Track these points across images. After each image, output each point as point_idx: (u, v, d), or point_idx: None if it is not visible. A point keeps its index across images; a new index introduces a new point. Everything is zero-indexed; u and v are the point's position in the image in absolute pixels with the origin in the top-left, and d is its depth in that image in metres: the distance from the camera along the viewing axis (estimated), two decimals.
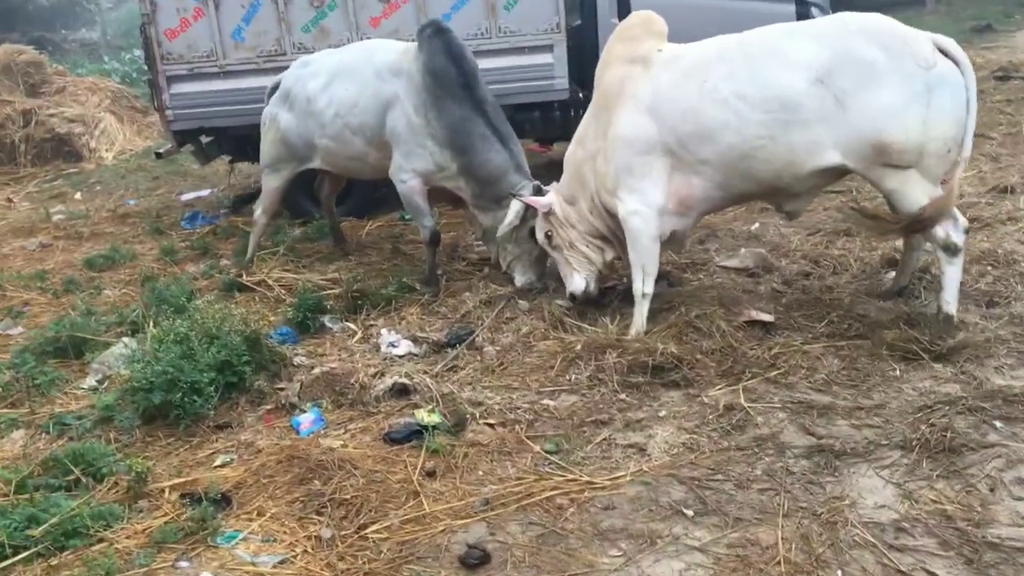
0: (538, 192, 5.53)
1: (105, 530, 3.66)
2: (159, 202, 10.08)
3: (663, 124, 4.78)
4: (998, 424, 3.85)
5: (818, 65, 4.41)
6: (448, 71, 5.77)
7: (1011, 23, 15.51)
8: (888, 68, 4.31)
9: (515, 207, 5.55)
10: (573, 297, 5.40)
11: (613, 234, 5.17)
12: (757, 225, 6.69)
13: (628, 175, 4.89)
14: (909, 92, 4.28)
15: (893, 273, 5.38)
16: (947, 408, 3.98)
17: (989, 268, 5.26)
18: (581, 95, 8.08)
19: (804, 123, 4.44)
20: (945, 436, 3.75)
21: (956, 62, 4.33)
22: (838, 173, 4.67)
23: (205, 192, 10.33)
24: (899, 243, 5.79)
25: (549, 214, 5.37)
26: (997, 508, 3.35)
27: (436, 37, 5.86)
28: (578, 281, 5.34)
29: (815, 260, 5.87)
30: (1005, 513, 3.32)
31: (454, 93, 5.77)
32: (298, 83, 6.48)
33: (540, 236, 5.49)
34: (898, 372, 4.37)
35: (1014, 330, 4.64)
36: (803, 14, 7.72)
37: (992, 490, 3.45)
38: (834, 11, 7.80)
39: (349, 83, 6.20)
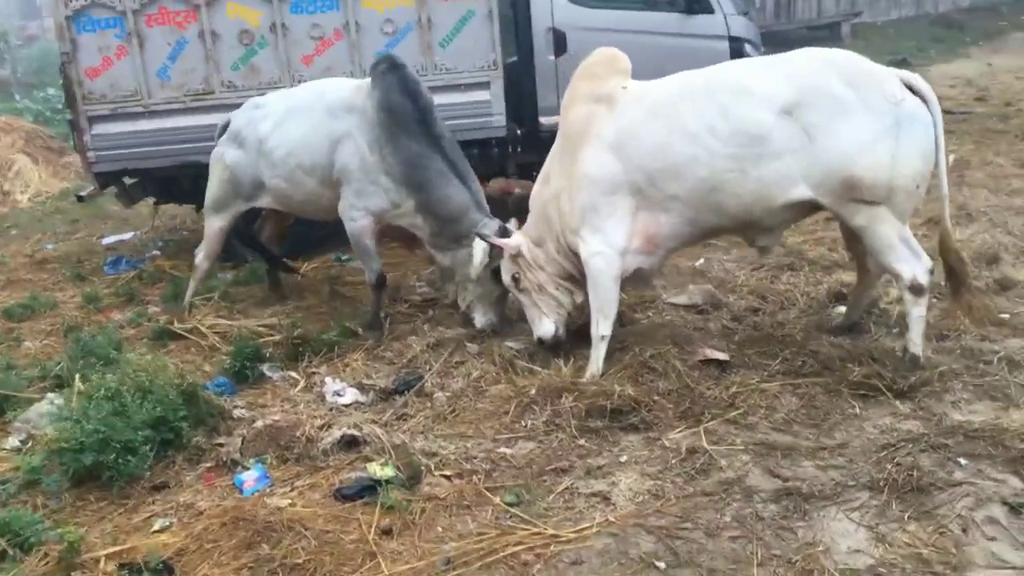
0: (504, 232, 5.39)
1: None
2: (79, 246, 9.66)
3: (629, 162, 4.72)
4: (962, 461, 3.82)
5: (785, 99, 4.39)
6: (404, 107, 5.62)
7: (925, 57, 16.02)
8: (856, 103, 4.31)
9: (481, 247, 5.38)
10: (541, 342, 5.24)
11: (581, 275, 5.04)
12: (702, 260, 6.67)
13: (593, 215, 4.80)
14: (878, 127, 4.28)
15: (842, 308, 5.39)
16: (910, 446, 3.95)
17: (935, 301, 5.27)
18: (518, 132, 8.01)
19: (774, 155, 4.42)
20: (912, 475, 3.70)
21: (923, 98, 4.36)
22: (809, 208, 4.65)
23: (128, 235, 9.94)
24: (845, 277, 5.83)
25: (517, 256, 5.22)
26: (972, 550, 3.30)
27: (391, 72, 5.70)
28: (547, 325, 5.20)
29: (762, 295, 5.85)
30: (980, 555, 3.27)
31: (410, 129, 5.62)
32: (250, 125, 6.27)
33: (506, 278, 5.33)
34: (857, 410, 4.33)
35: (966, 363, 4.66)
36: (736, 51, 7.79)
37: (965, 531, 3.41)
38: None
39: (300, 122, 6.00)
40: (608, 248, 4.79)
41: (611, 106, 4.84)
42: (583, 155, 4.84)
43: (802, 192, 4.45)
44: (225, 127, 6.54)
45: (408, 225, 5.82)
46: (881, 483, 3.71)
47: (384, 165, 5.67)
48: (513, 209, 6.99)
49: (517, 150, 8.12)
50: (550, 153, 5.20)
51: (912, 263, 4.42)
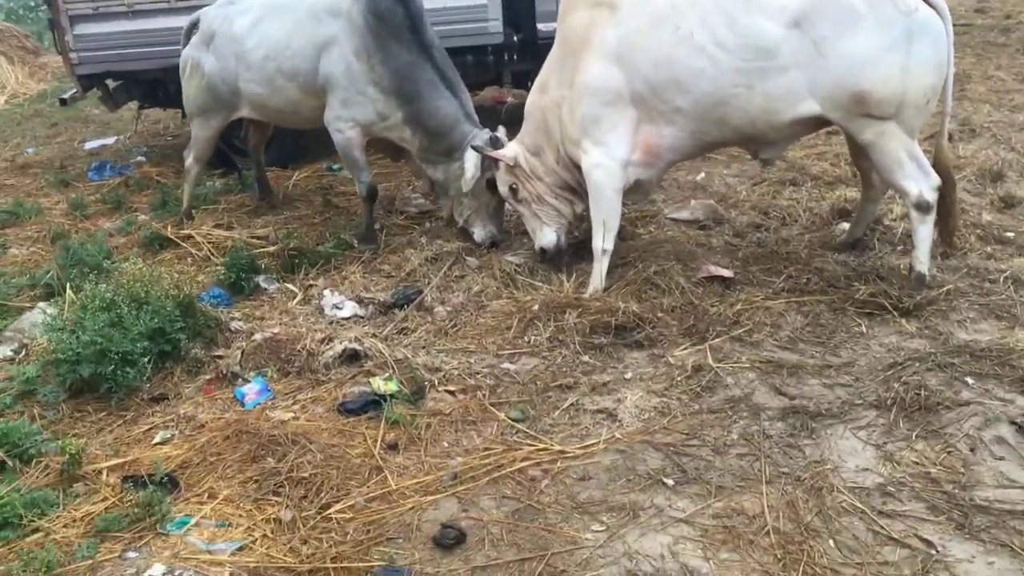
0: (495, 142, 5.25)
1: (40, 519, 3.37)
2: (61, 151, 9.44)
3: (633, 72, 4.56)
4: (969, 380, 3.82)
5: (794, 9, 4.23)
6: (394, 12, 5.35)
7: None
8: (868, 13, 4.15)
9: (473, 158, 5.24)
10: (543, 252, 5.17)
11: (580, 186, 4.93)
12: (703, 175, 6.57)
13: (595, 126, 4.67)
14: (889, 39, 4.14)
15: (845, 224, 5.33)
16: (917, 365, 3.94)
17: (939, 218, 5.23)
18: (515, 38, 7.78)
19: (781, 69, 4.28)
20: (919, 394, 3.70)
21: (936, 8, 4.21)
22: (818, 123, 4.53)
23: (110, 140, 9.72)
24: (848, 193, 5.76)
25: (514, 167, 5.10)
26: (980, 469, 3.31)
27: None
28: (549, 235, 5.12)
29: (764, 211, 5.78)
30: (989, 474, 3.28)
31: (400, 36, 5.37)
32: (224, 22, 5.95)
33: (503, 189, 5.22)
34: (863, 328, 4.30)
35: (971, 282, 4.63)
36: None
37: (973, 450, 3.41)
38: None
39: (281, 22, 5.70)
40: (610, 160, 4.67)
41: (613, 11, 4.64)
42: (584, 64, 4.67)
43: (810, 107, 4.33)
44: (193, 26, 6.24)
45: (397, 138, 5.63)
46: (888, 402, 3.71)
47: (372, 75, 5.44)
48: (506, 119, 6.83)
49: (513, 58, 7.89)
50: (547, 60, 5.01)
51: (920, 180, 4.35)
